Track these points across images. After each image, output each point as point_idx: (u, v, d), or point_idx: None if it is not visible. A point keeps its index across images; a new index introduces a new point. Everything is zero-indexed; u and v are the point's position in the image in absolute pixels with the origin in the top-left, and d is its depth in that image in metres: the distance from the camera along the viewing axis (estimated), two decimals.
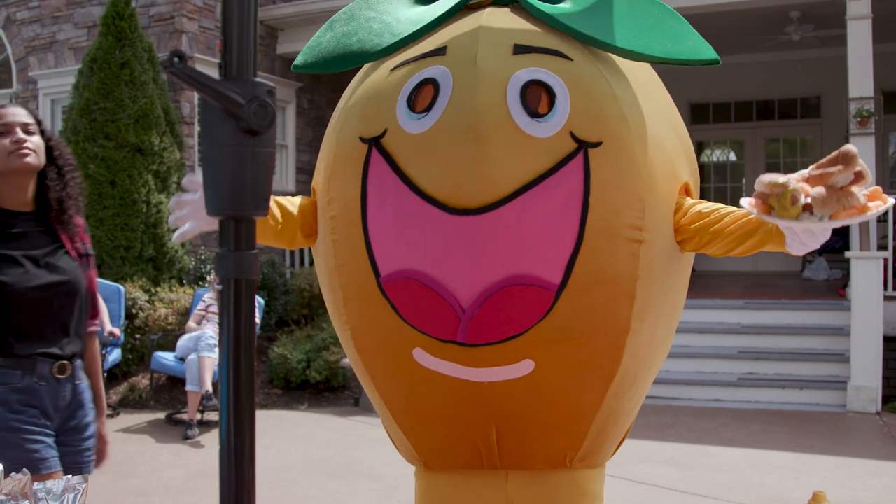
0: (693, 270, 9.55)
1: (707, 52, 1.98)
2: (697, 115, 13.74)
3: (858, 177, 1.58)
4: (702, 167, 14.02)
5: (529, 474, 2.12)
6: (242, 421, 1.18)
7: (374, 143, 1.95)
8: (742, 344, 8.40)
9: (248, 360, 1.18)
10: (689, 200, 2.02)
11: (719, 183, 14.01)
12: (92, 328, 2.75)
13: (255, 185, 1.19)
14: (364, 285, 1.99)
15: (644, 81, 2.06)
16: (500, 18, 2.03)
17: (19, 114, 2.56)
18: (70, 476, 1.65)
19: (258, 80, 1.19)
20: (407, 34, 2.02)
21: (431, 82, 1.94)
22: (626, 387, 2.04)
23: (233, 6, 1.19)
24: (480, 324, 1.87)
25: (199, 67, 1.14)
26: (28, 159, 2.51)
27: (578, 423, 2.04)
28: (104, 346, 6.71)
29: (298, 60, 2.17)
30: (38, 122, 2.60)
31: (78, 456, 2.62)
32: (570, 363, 1.94)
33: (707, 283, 11.24)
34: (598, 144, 1.86)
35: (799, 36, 10.68)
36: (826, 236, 1.66)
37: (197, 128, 9.74)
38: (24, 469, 1.58)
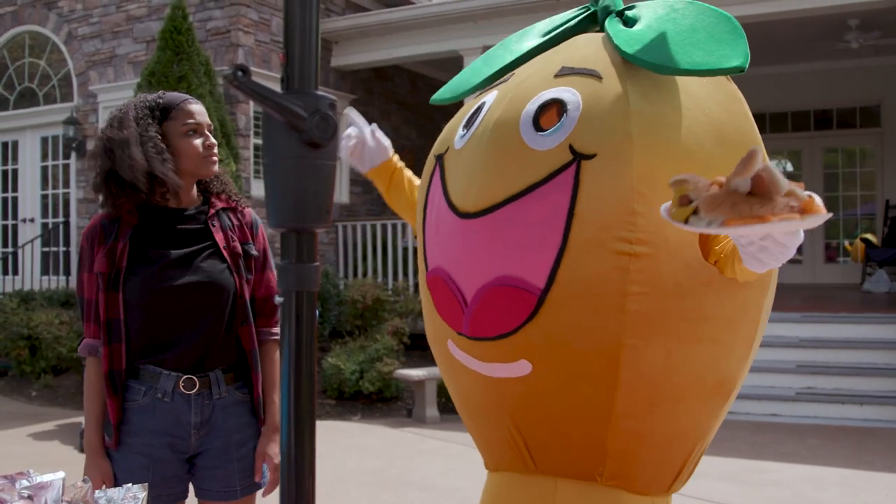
0: None
1: (731, 58, 1.94)
2: None
3: (759, 182, 1.39)
4: None
5: (577, 487, 2.11)
6: (303, 432, 1.19)
7: (439, 158, 2.20)
8: (800, 358, 8.24)
9: (308, 371, 1.18)
10: None
11: None
12: (272, 337, 2.53)
13: (317, 197, 1.20)
14: (422, 279, 2.24)
15: (695, 94, 2.04)
16: (581, 43, 2.18)
17: (204, 112, 2.45)
18: (130, 485, 1.66)
19: (320, 93, 1.20)
20: (500, 66, 2.27)
21: (482, 106, 2.15)
22: (640, 411, 2.01)
23: (295, 20, 1.20)
24: (477, 318, 2.01)
25: (257, 81, 1.16)
26: (216, 167, 2.44)
27: (590, 436, 2.05)
28: None
29: (436, 95, 2.42)
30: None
31: (226, 480, 2.42)
32: (564, 370, 1.99)
33: None
34: (592, 157, 1.90)
35: (858, 44, 10.50)
36: (785, 253, 1.53)
37: (253, 140, 9.86)
38: (86, 478, 1.60)
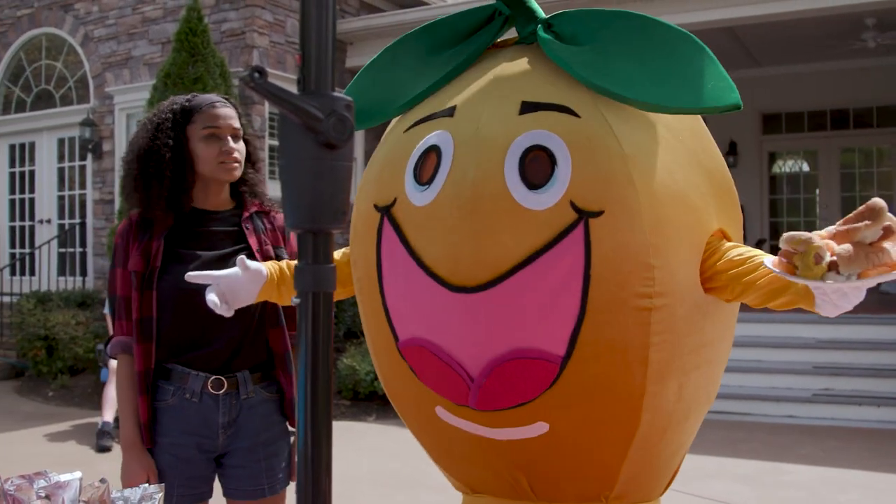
0: None
1: (728, 96, 1.82)
2: (769, 125, 13.50)
3: (888, 232, 1.46)
4: (773, 179, 13.79)
5: None
6: (320, 432, 1.18)
7: (385, 212, 1.96)
8: (817, 359, 8.20)
9: (325, 372, 1.18)
10: (726, 245, 1.91)
11: (792, 194, 13.74)
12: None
13: (333, 198, 1.19)
14: (388, 345, 2.04)
15: (669, 125, 1.93)
16: (518, 64, 1.99)
17: (231, 116, 2.43)
18: (147, 485, 1.67)
19: (336, 94, 1.20)
20: (425, 87, 2.03)
21: (435, 150, 1.91)
22: (654, 439, 1.99)
23: (311, 21, 1.20)
24: (489, 392, 1.87)
25: (271, 82, 1.16)
26: (234, 173, 2.42)
27: (605, 471, 2.01)
28: None
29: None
30: (239, 116, 2.48)
31: (254, 479, 2.43)
32: (584, 424, 1.92)
33: None
34: (599, 213, 1.77)
35: (875, 43, 10.43)
36: (859, 297, 1.53)
37: (268, 141, 9.88)
38: (103, 478, 1.60)
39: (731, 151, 13.11)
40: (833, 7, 8.64)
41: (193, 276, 2.16)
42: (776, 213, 13.67)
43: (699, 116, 2.03)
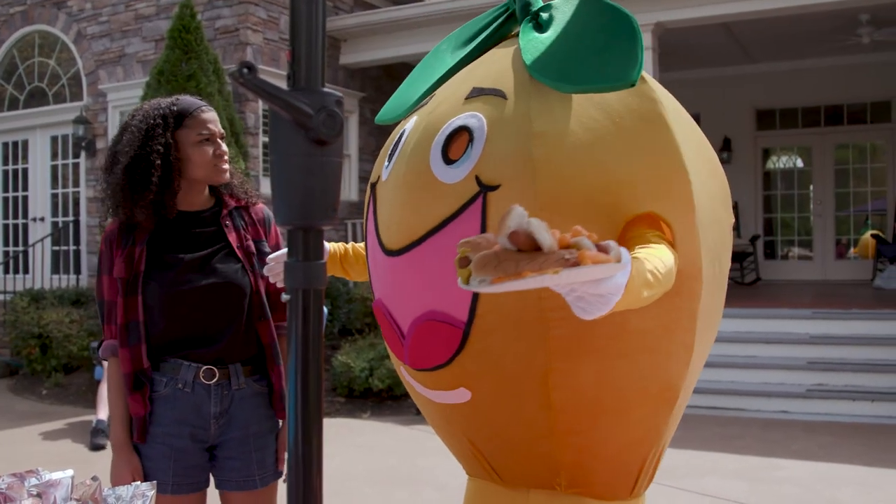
0: (758, 279, 9.41)
1: (623, 74, 1.82)
2: (763, 121, 13.52)
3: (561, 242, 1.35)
4: (767, 175, 13.80)
5: (546, 496, 2.13)
6: (310, 430, 1.18)
7: (373, 188, 2.21)
8: (811, 354, 8.21)
9: (316, 368, 1.18)
10: (642, 235, 1.86)
11: (786, 190, 13.76)
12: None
13: (324, 195, 1.19)
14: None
15: (609, 109, 1.94)
16: (500, 55, 2.13)
17: (216, 119, 2.48)
18: (139, 483, 1.67)
19: (326, 90, 1.20)
20: (429, 85, 2.24)
21: (402, 134, 2.15)
22: (585, 423, 2.01)
23: (301, 18, 1.20)
24: (413, 351, 2.05)
25: (265, 78, 1.15)
26: (227, 175, 2.48)
27: (539, 451, 2.06)
28: None
29: (379, 115, 2.39)
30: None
31: (245, 470, 2.48)
32: (500, 394, 2.02)
33: (773, 293, 11.04)
34: (496, 188, 1.88)
35: (869, 39, 10.45)
36: (602, 303, 1.45)
37: (262, 138, 9.87)
38: (95, 476, 1.60)
39: (725, 147, 13.12)
40: (828, 3, 8.66)
41: (270, 269, 2.29)
42: (770, 209, 13.69)
43: (655, 106, 2.01)
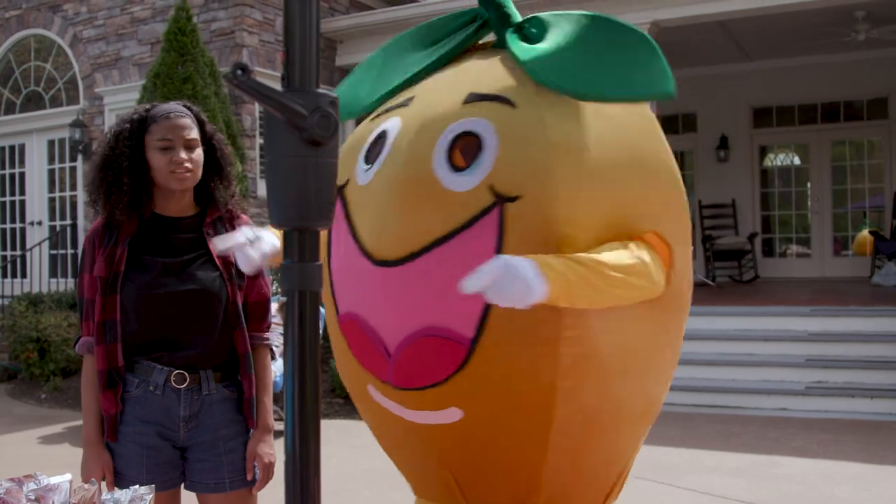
0: (757, 277, 9.42)
1: (661, 84, 1.87)
2: (760, 118, 13.51)
3: None
4: (765, 172, 13.80)
5: None
6: (308, 431, 1.18)
7: (339, 191, 2.04)
8: (809, 352, 8.21)
9: (312, 370, 1.18)
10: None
11: (783, 188, 13.76)
12: (263, 342, 2.59)
13: (319, 195, 1.19)
14: (332, 319, 2.15)
15: (612, 117, 1.97)
16: (485, 63, 2.07)
17: (185, 127, 2.46)
18: (137, 486, 1.66)
19: (321, 91, 1.19)
20: (394, 85, 2.15)
21: (384, 135, 2.03)
22: (577, 441, 1.99)
23: (294, 19, 1.20)
24: (402, 370, 1.94)
25: (260, 80, 1.15)
26: (186, 183, 2.45)
27: (524, 471, 2.02)
28: None
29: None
30: (201, 124, 2.51)
31: (215, 472, 2.49)
32: (496, 414, 1.94)
33: (772, 290, 11.04)
34: (515, 199, 1.81)
35: (864, 36, 10.45)
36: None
37: (258, 140, 9.86)
38: (93, 479, 1.60)
39: (721, 145, 13.13)
40: (824, 0, 8.67)
41: (219, 240, 2.20)
42: (768, 206, 13.68)
43: (653, 125, 2.07)
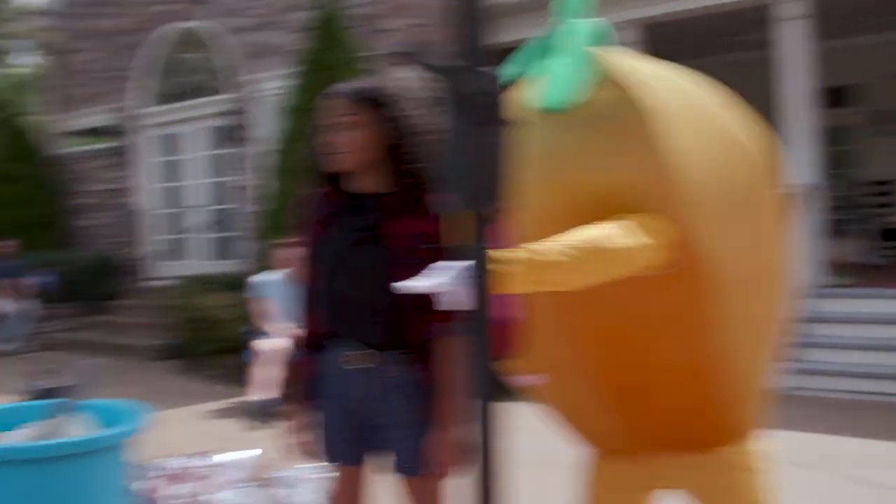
0: None
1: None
2: None
3: None
4: None
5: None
6: (489, 418, 1.18)
7: None
8: None
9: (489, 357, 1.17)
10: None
11: None
12: (445, 329, 2.39)
13: (489, 178, 1.17)
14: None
15: (600, 110, 2.21)
16: None
17: (334, 108, 2.45)
18: (303, 466, 1.70)
19: (486, 70, 1.18)
20: None
21: None
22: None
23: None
24: None
25: (429, 62, 1.15)
26: (338, 164, 2.46)
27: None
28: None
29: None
30: (375, 100, 2.44)
31: (403, 456, 2.49)
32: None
33: None
34: None
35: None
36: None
37: None
38: (261, 453, 1.65)
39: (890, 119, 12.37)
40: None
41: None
42: None
43: (638, 101, 2.17)
